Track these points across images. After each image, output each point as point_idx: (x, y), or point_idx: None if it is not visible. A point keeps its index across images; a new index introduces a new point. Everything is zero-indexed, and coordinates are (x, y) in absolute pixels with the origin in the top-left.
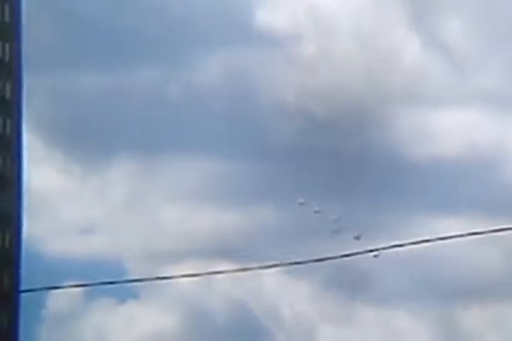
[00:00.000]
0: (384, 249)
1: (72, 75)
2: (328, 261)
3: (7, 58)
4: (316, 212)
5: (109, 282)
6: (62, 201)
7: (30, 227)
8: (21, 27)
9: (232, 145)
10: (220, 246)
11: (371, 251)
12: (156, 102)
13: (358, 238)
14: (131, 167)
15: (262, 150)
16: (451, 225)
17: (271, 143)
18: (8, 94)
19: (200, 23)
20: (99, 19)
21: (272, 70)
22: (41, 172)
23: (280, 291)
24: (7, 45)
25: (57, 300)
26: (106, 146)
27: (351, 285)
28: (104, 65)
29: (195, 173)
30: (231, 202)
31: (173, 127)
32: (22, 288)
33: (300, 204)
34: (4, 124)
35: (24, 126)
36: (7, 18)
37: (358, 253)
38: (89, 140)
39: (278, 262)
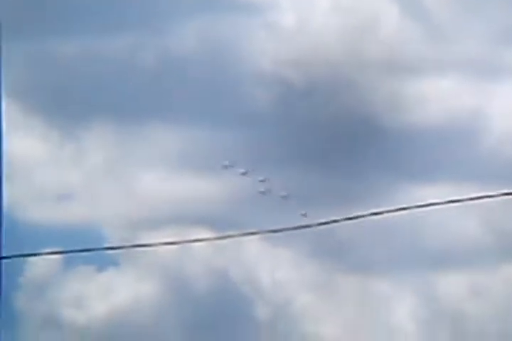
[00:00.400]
0: (363, 216)
1: (50, 41)
2: (310, 229)
3: None
4: (243, 174)
5: (89, 249)
6: (40, 168)
7: (7, 194)
8: None
9: (209, 112)
10: (199, 213)
11: (351, 218)
12: (133, 68)
13: (285, 198)
14: (109, 133)
15: (239, 117)
16: (430, 193)
17: (248, 111)
18: None
19: None
20: None
21: (249, 37)
22: (19, 138)
23: (260, 259)
24: None
25: (36, 268)
26: (84, 112)
27: (332, 252)
28: (81, 30)
29: (173, 140)
30: (210, 168)
31: (149, 94)
32: (1, 254)
33: (224, 167)
34: None
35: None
36: None
37: (342, 220)
38: (66, 106)
39: (258, 229)
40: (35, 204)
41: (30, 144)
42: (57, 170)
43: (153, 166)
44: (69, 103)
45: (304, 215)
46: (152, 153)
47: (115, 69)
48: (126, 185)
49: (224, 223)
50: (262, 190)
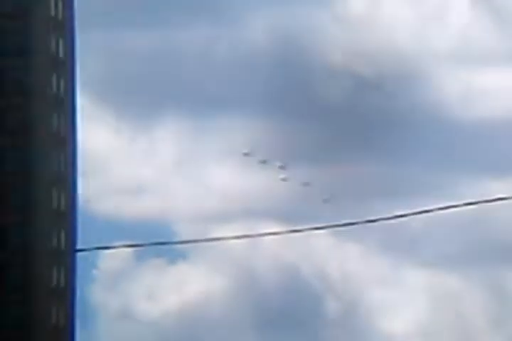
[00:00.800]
0: (434, 210)
1: (124, 33)
2: (378, 223)
3: (60, 17)
4: (262, 162)
5: (161, 243)
6: (113, 161)
7: (82, 188)
8: None
9: (280, 104)
10: (269, 207)
11: (424, 212)
12: (205, 60)
13: (306, 184)
14: (181, 126)
15: (309, 109)
16: (499, 187)
17: (318, 102)
18: (61, 54)
19: None
20: None
21: (319, 29)
22: (93, 131)
23: (329, 253)
24: (60, 4)
25: (109, 260)
26: (155, 105)
27: (400, 247)
28: (157, 23)
29: (244, 132)
30: (281, 161)
31: (221, 86)
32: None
33: (245, 154)
34: (58, 83)
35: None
36: None
37: (411, 214)
38: (139, 98)
39: (327, 223)
40: (108, 197)
41: (103, 137)
42: (130, 164)
43: (225, 159)
44: (142, 95)
45: (327, 201)
46: (224, 146)
47: (188, 62)
48: (197, 179)
49: (295, 217)
50: (282, 177)
